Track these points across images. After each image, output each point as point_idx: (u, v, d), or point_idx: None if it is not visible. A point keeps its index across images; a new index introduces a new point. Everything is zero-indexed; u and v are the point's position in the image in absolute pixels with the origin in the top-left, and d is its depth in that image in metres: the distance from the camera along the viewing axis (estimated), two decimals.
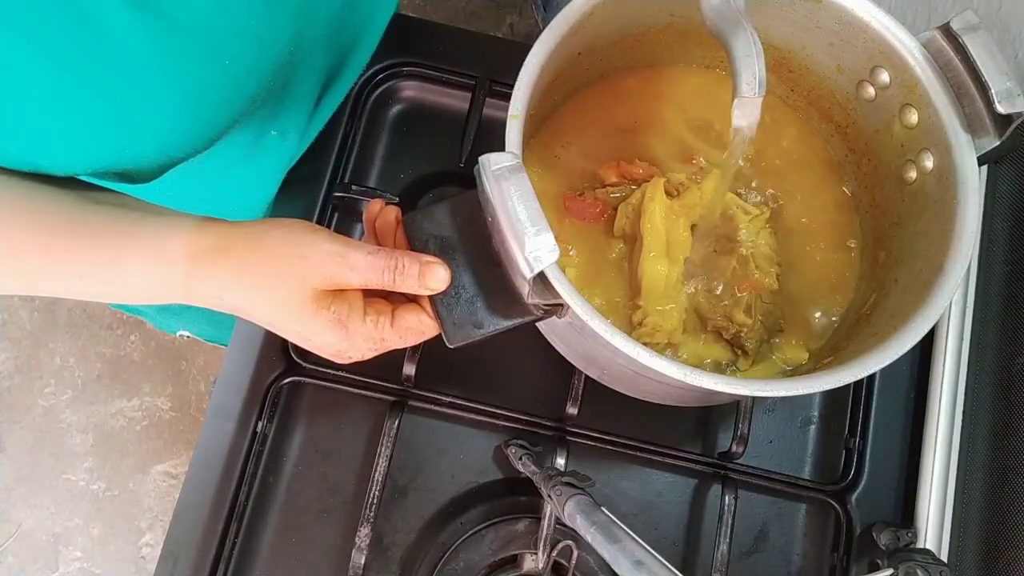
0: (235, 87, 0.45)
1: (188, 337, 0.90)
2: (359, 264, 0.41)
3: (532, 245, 0.37)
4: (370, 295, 0.45)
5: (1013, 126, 0.43)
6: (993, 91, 0.43)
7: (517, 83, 0.44)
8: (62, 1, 0.35)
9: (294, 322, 0.43)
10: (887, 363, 0.41)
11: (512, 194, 0.38)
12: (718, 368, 0.53)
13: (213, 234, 0.42)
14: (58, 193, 0.41)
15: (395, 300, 0.46)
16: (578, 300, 0.40)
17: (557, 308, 0.42)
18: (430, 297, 0.44)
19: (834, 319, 0.54)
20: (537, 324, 0.55)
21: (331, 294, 0.42)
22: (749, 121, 0.42)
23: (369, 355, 0.45)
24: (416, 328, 0.45)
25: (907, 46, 0.47)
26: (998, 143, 0.44)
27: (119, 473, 1.43)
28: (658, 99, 0.58)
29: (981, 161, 0.45)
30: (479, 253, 0.44)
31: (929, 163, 0.48)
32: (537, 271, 0.38)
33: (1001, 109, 0.43)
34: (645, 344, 0.51)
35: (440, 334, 0.45)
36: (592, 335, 0.40)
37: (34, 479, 1.42)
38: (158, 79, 0.40)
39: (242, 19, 0.43)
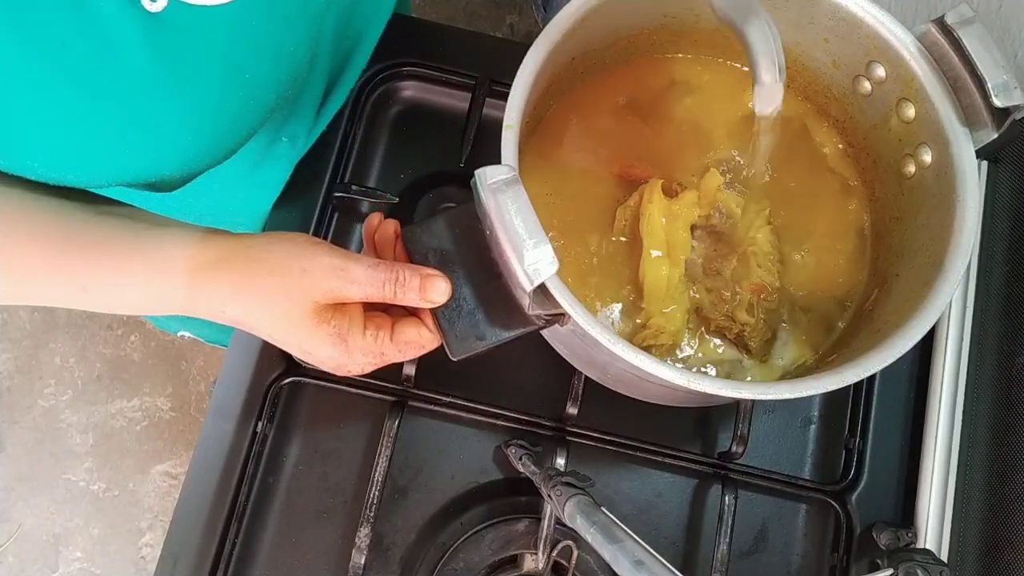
0: (255, 101, 0.45)
1: (189, 337, 0.90)
2: (360, 277, 0.41)
3: (531, 258, 0.37)
4: (370, 309, 0.45)
5: (1010, 119, 0.43)
6: (989, 84, 0.43)
7: (512, 92, 0.44)
8: (77, 21, 0.35)
9: (294, 335, 0.43)
10: (889, 362, 0.41)
11: (509, 207, 0.37)
12: (722, 367, 0.53)
13: (215, 247, 0.42)
14: (62, 204, 0.42)
15: (395, 314, 0.46)
16: (579, 309, 0.40)
17: (559, 317, 0.42)
18: (432, 310, 0.44)
19: (838, 315, 0.54)
20: None
21: (332, 308, 0.42)
22: (772, 107, 0.42)
23: (368, 369, 0.45)
24: (416, 342, 0.45)
25: (902, 40, 0.47)
26: (996, 136, 0.44)
27: (119, 473, 1.43)
28: (653, 93, 0.58)
29: (980, 155, 0.45)
30: (479, 265, 0.44)
31: (927, 157, 0.48)
32: (537, 284, 0.38)
33: (998, 102, 0.42)
34: (649, 346, 0.51)
35: (441, 346, 0.45)
36: (594, 343, 0.40)
37: (34, 479, 1.42)
38: (176, 96, 0.40)
39: (261, 35, 0.43)
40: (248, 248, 0.42)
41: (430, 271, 0.43)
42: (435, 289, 0.43)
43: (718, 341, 0.53)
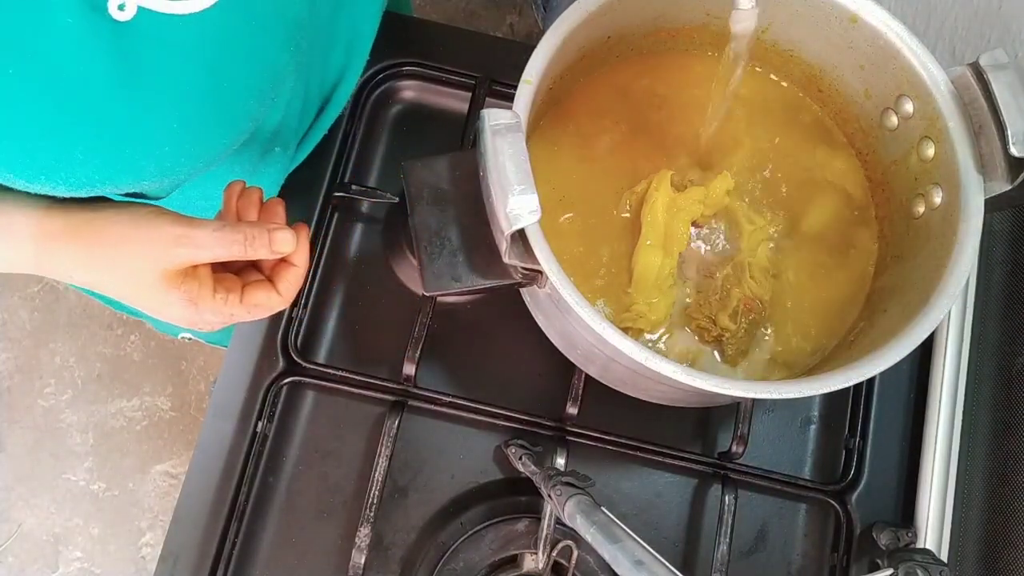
0: (234, 108, 0.45)
1: (190, 339, 0.90)
2: (206, 242, 0.42)
3: (515, 203, 0.38)
4: (222, 269, 0.46)
5: None
6: (1009, 131, 0.42)
7: (536, 51, 0.45)
8: (37, 32, 0.35)
9: (144, 299, 0.44)
10: (888, 366, 0.41)
11: (505, 150, 0.38)
12: (693, 367, 0.52)
13: (60, 218, 0.43)
14: None
15: (247, 277, 0.47)
16: (555, 267, 0.40)
17: (536, 275, 0.42)
18: (414, 244, 0.45)
19: (821, 341, 0.53)
20: (532, 313, 0.55)
21: (181, 273, 0.43)
22: (744, 27, 0.43)
23: (219, 327, 0.47)
24: (265, 304, 0.46)
25: (935, 78, 0.46)
26: (1009, 187, 0.43)
27: (119, 473, 1.43)
28: (683, 88, 0.57)
29: (988, 206, 0.44)
30: (471, 209, 0.45)
31: (938, 198, 0.47)
32: (515, 228, 0.38)
33: (1015, 151, 0.41)
34: (626, 328, 0.51)
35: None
36: (566, 307, 0.40)
37: (34, 479, 1.42)
38: (150, 105, 0.40)
39: (238, 43, 0.42)
40: (92, 221, 0.43)
41: (275, 225, 0.44)
42: (282, 241, 0.44)
43: (696, 340, 0.53)
